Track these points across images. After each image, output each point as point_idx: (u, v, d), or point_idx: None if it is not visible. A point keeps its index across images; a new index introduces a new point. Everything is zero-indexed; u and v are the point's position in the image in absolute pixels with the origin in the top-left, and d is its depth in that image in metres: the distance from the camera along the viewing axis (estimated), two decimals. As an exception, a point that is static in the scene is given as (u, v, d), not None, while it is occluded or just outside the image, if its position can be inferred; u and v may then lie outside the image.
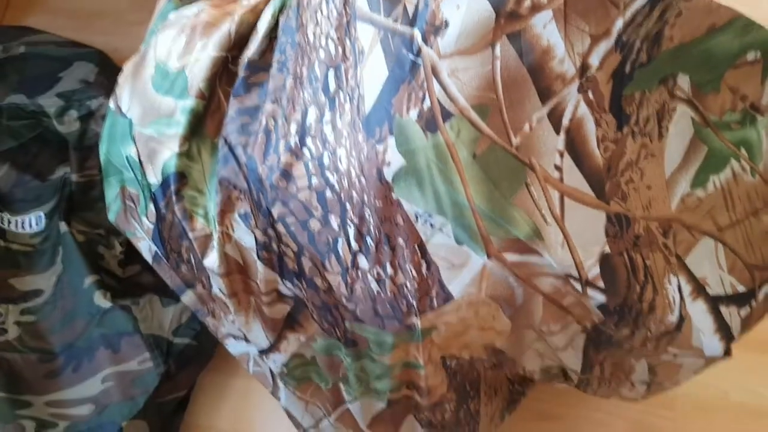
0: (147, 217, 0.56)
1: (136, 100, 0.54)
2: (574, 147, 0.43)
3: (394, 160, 0.42)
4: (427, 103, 0.41)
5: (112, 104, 0.56)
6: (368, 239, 0.45)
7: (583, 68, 0.42)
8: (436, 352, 0.50)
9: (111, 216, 0.58)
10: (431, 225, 0.43)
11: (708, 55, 0.44)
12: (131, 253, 0.91)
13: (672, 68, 0.44)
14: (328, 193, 0.45)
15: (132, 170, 0.55)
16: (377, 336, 0.49)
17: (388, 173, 0.42)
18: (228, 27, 0.52)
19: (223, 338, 0.60)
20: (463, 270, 0.45)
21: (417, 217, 0.44)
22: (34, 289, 0.91)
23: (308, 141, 0.45)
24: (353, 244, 0.45)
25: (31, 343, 0.86)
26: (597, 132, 0.43)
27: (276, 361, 0.56)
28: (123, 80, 0.56)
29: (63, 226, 0.89)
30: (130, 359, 0.83)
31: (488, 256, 0.44)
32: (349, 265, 0.46)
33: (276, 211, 0.46)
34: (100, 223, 0.92)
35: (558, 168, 0.43)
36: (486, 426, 0.65)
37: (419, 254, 0.45)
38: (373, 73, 0.43)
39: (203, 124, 0.52)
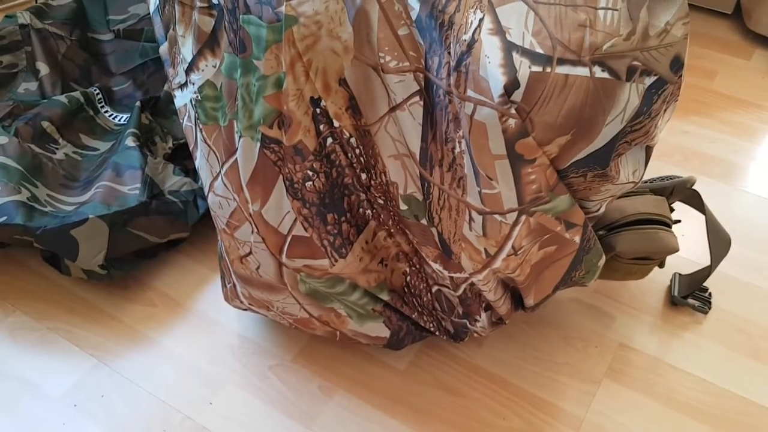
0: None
1: None
2: None
3: None
4: None
5: None
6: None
7: None
8: (298, 65, 0.61)
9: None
10: None
11: None
12: (175, 156, 1.10)
13: None
14: None
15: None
16: (257, 30, 0.62)
17: None
18: None
19: (175, 90, 0.74)
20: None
21: None
22: (93, 146, 1.11)
23: None
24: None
25: (66, 167, 1.04)
26: None
27: (194, 83, 0.69)
28: None
29: (138, 103, 1.11)
30: (125, 185, 0.98)
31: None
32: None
33: None
34: (166, 127, 1.13)
35: None
36: (354, 261, 0.71)
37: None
38: None
39: None
